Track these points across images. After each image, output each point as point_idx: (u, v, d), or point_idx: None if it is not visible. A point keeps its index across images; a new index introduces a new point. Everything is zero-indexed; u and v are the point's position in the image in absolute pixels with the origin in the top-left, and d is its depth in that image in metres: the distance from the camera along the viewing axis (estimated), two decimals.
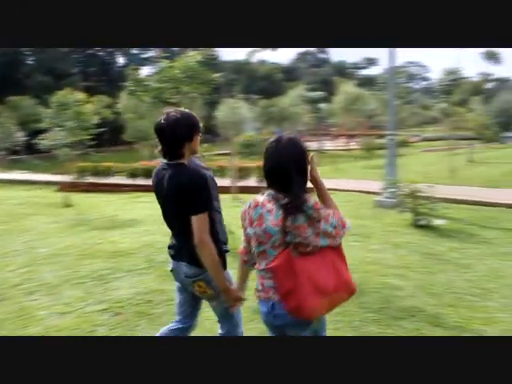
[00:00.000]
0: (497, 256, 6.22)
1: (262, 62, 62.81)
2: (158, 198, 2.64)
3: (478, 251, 6.43)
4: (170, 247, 2.72)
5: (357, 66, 78.88)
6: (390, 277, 5.16)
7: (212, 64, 8.03)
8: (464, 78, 45.24)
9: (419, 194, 7.80)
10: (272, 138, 2.18)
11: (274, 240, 2.09)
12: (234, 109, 26.55)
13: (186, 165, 2.49)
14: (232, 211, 9.65)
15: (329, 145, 34.18)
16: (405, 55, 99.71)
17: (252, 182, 14.87)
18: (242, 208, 2.25)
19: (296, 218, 2.03)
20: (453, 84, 41.78)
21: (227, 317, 2.71)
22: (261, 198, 2.17)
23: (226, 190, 12.72)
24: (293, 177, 2.06)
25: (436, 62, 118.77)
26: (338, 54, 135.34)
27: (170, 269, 2.74)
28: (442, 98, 40.30)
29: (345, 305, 2.59)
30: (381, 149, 21.31)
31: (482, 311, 4.31)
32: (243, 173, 14.67)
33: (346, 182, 13.89)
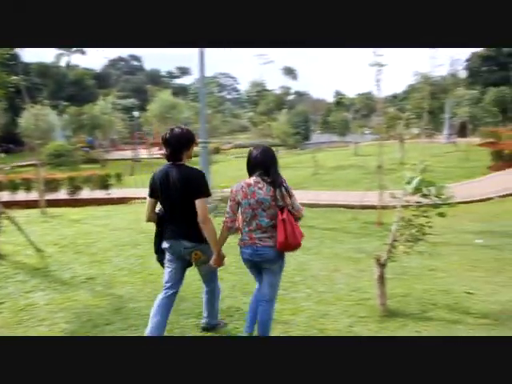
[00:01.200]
0: (303, 251, 6.90)
1: (72, 67, 59.11)
2: (160, 192, 3.47)
3: None
4: (168, 230, 3.58)
5: (170, 75, 79.65)
6: None
7: (9, 65, 7.22)
8: (267, 90, 49.01)
9: None
10: (254, 148, 3.50)
11: (264, 206, 3.37)
12: (40, 116, 24.37)
13: (186, 165, 3.51)
14: (41, 227, 8.88)
15: (144, 153, 33.62)
16: (216, 67, 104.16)
17: (62, 194, 13.88)
18: (234, 187, 3.47)
19: (280, 190, 3.33)
20: (258, 95, 45.01)
21: (211, 277, 3.88)
22: (251, 180, 3.41)
23: (33, 204, 11.63)
24: (271, 166, 3.40)
25: (244, 74, 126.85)
26: (151, 63, 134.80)
27: (164, 247, 3.63)
28: (250, 108, 43.07)
29: None
30: (195, 156, 21.81)
31: (291, 302, 4.77)
32: (52, 185, 13.59)
33: None
